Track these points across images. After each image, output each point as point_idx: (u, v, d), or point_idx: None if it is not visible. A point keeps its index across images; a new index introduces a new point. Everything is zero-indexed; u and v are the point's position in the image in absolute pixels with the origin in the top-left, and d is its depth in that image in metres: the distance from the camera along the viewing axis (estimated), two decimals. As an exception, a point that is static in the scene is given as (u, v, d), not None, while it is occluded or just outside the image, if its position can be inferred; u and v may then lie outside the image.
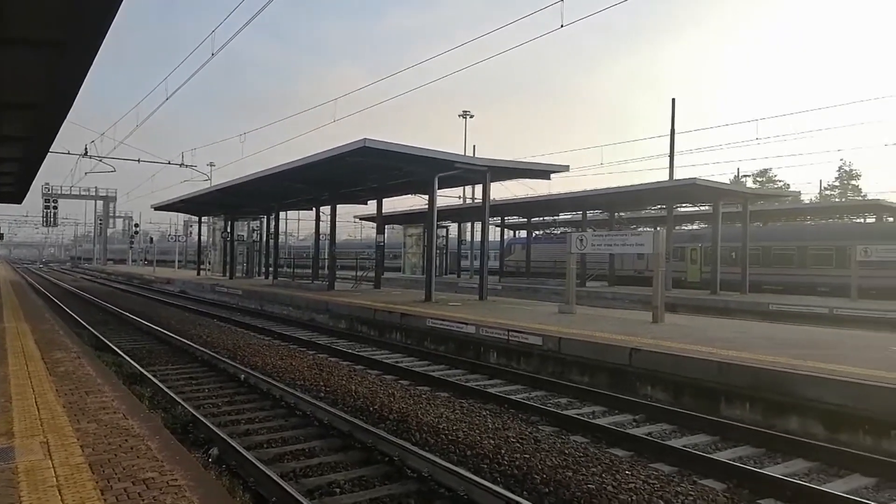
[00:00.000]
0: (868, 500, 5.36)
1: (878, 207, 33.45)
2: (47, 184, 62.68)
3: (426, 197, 20.05)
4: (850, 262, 22.89)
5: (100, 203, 79.91)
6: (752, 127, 77.05)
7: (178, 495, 3.91)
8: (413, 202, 33.06)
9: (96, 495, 3.88)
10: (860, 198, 52.53)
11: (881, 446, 6.63)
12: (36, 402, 6.23)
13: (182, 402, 7.96)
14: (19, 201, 33.06)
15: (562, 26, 13.69)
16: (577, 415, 8.13)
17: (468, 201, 42.90)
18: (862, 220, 35.99)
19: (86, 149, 33.39)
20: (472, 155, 33.33)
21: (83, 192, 73.13)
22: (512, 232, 48.34)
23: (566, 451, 6.14)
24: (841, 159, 61.14)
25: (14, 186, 25.55)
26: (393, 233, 49.94)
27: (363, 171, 20.73)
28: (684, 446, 6.77)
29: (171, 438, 5.35)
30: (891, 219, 32.76)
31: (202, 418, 7.19)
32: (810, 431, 7.23)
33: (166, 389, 8.74)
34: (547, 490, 5.28)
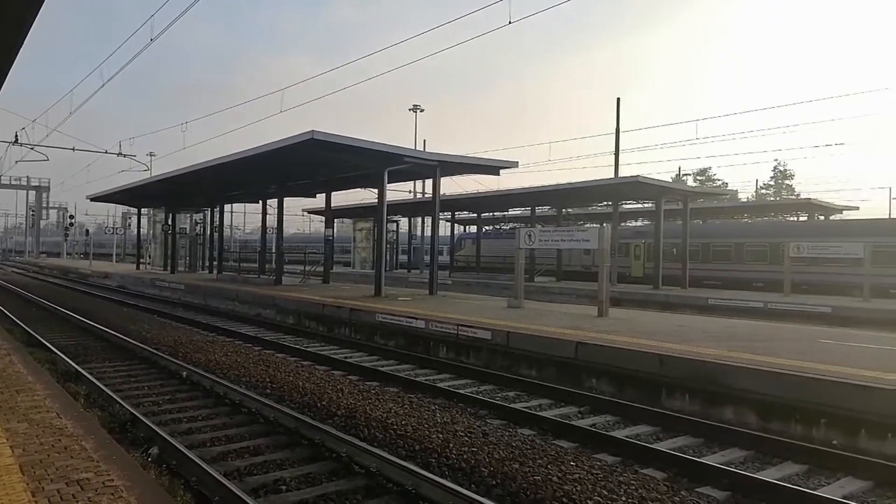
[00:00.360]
0: (799, 486, 5.62)
1: (810, 206, 35.12)
2: (-26, 172, 59.29)
3: (376, 191, 19.89)
4: (784, 258, 23.92)
5: (32, 193, 76.22)
6: (692, 127, 79.66)
7: (115, 496, 3.78)
8: (363, 196, 32.72)
9: (27, 497, 3.71)
10: (794, 197, 55.02)
11: (811, 434, 6.96)
12: (-40, 403, 5.91)
13: (120, 401, 7.67)
14: (-57, 190, 31.24)
15: (510, 22, 13.83)
16: (525, 408, 8.24)
17: (419, 196, 42.86)
18: (795, 218, 37.71)
19: (16, 136, 31.76)
20: (422, 150, 33.29)
21: (14, 182, 69.63)
22: (462, 227, 48.55)
23: (513, 444, 6.22)
24: (776, 160, 63.79)
25: (-64, 174, 24.09)
26: (343, 227, 49.41)
27: (312, 163, 20.42)
28: (627, 437, 6.95)
29: (107, 438, 5.17)
30: (822, 217, 34.42)
31: (141, 416, 6.96)
32: (745, 421, 7.53)
33: (103, 387, 8.41)
34: (494, 482, 5.32)
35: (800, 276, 24.44)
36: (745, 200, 53.72)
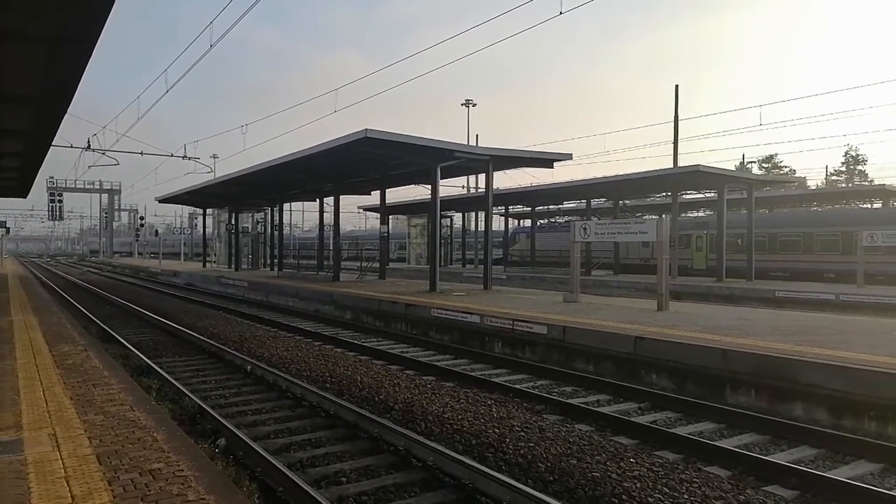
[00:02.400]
0: (873, 486, 5.36)
1: (885, 192, 33.25)
2: (52, 177, 62.90)
3: (429, 187, 20.00)
4: (857, 247, 22.79)
5: (104, 196, 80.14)
6: (756, 113, 76.52)
7: (185, 485, 3.95)
8: (417, 192, 32.93)
9: (103, 486, 3.92)
10: (866, 183, 52.23)
11: (886, 432, 6.62)
12: (44, 395, 6.28)
13: (189, 394, 8.00)
14: (24, 195, 33.22)
15: (560, 13, 13.61)
16: (582, 403, 8.14)
17: (472, 191, 42.83)
18: (868, 206, 35.80)
19: (88, 142, 33.46)
20: (474, 144, 33.25)
21: (88, 186, 73.33)
22: (516, 221, 48.27)
23: (571, 440, 6.16)
24: (847, 144, 60.59)
25: (18, 181, 25.68)
26: (397, 223, 49.95)
27: (366, 161, 20.71)
28: (689, 434, 6.78)
29: (177, 430, 5.39)
30: (897, 204, 32.56)
31: (209, 409, 7.24)
32: (815, 418, 7.23)
33: (173, 381, 8.79)
34: (552, 478, 5.29)
35: (874, 266, 23.22)
36: (814, 188, 51.31)
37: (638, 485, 5.03)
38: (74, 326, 12.21)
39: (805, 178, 50.05)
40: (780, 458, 6.10)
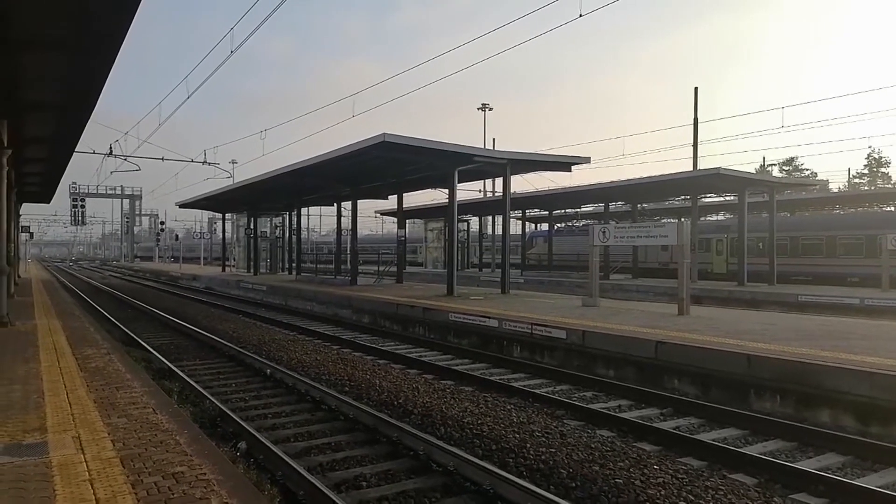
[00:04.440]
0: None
1: (910, 195, 32.66)
2: (74, 183, 63.82)
3: (446, 191, 20.00)
4: (881, 251, 22.37)
5: (126, 202, 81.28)
6: (778, 115, 75.63)
7: (207, 489, 3.95)
8: (433, 196, 33.01)
9: (127, 489, 3.93)
10: (889, 186, 51.32)
11: (918, 440, 6.46)
12: (68, 398, 6.35)
13: (210, 397, 8.05)
14: (47, 201, 33.75)
15: (580, 16, 13.54)
16: (604, 409, 8.06)
17: (489, 195, 42.76)
18: (892, 209, 35.15)
19: (110, 148, 33.89)
20: (491, 148, 33.21)
21: (109, 191, 74.47)
22: (533, 225, 48.10)
23: (592, 446, 6.09)
24: (870, 146, 59.69)
25: (42, 186, 26.11)
26: (414, 227, 50.00)
27: (383, 166, 20.77)
28: (713, 440, 6.68)
29: (199, 433, 5.41)
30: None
31: (230, 413, 7.27)
32: (842, 424, 7.09)
33: (194, 384, 8.85)
34: (574, 484, 5.23)
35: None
36: (836, 191, 50.56)
37: (662, 492, 4.96)
38: (97, 330, 12.35)
39: (827, 180, 49.34)
40: (808, 465, 5.99)
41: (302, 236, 37.73)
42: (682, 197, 32.96)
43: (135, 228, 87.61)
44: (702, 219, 34.93)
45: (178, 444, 4.87)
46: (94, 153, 34.17)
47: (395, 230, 28.55)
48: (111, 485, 4.01)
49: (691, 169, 29.12)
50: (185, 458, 4.56)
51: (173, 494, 3.87)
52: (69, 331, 11.81)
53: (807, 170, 59.52)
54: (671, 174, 25.52)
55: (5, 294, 12.55)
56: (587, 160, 19.69)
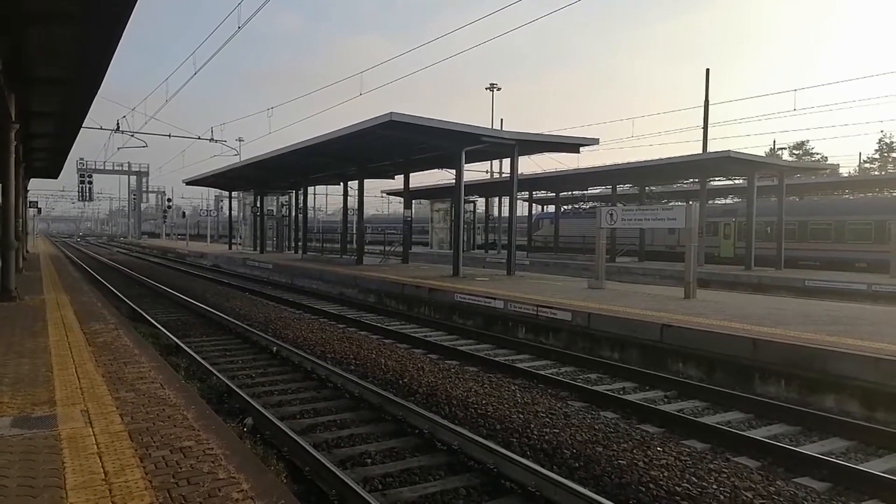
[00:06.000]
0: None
1: (921, 181, 32.32)
2: (82, 159, 64.01)
3: (453, 171, 19.91)
4: (890, 236, 22.21)
5: (133, 178, 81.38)
6: (790, 98, 74.65)
7: (215, 464, 3.99)
8: (440, 176, 32.97)
9: (135, 462, 3.98)
10: (902, 171, 50.77)
11: (922, 426, 6.46)
12: (76, 372, 6.41)
13: (217, 373, 8.12)
14: (55, 176, 33.85)
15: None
16: (608, 390, 8.08)
17: (496, 175, 42.58)
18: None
19: (118, 124, 33.95)
20: (499, 128, 32.99)
21: (117, 168, 74.54)
22: (540, 206, 47.93)
23: (596, 427, 6.12)
24: (881, 131, 58.98)
25: (49, 162, 26.16)
26: (420, 207, 49.88)
27: (390, 145, 20.67)
28: (717, 423, 6.69)
29: (206, 408, 5.46)
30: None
31: (237, 389, 7.33)
32: (847, 409, 7.09)
33: (201, 360, 8.92)
34: (577, 464, 5.26)
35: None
36: (846, 175, 50.07)
37: (665, 473, 4.98)
38: (105, 305, 12.44)
39: (837, 165, 48.88)
40: (812, 449, 6.00)
41: (308, 215, 37.74)
42: (691, 180, 32.67)
43: (142, 205, 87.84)
44: (710, 202, 34.69)
45: (186, 419, 4.91)
46: (101, 129, 34.21)
47: (402, 210, 28.51)
48: (119, 458, 4.05)
49: (701, 151, 28.88)
50: (192, 432, 4.60)
51: (181, 468, 3.91)
52: (77, 305, 11.89)
53: (817, 154, 58.91)
54: (680, 157, 25.28)
55: (14, 269, 12.63)
56: (595, 141, 19.52)
